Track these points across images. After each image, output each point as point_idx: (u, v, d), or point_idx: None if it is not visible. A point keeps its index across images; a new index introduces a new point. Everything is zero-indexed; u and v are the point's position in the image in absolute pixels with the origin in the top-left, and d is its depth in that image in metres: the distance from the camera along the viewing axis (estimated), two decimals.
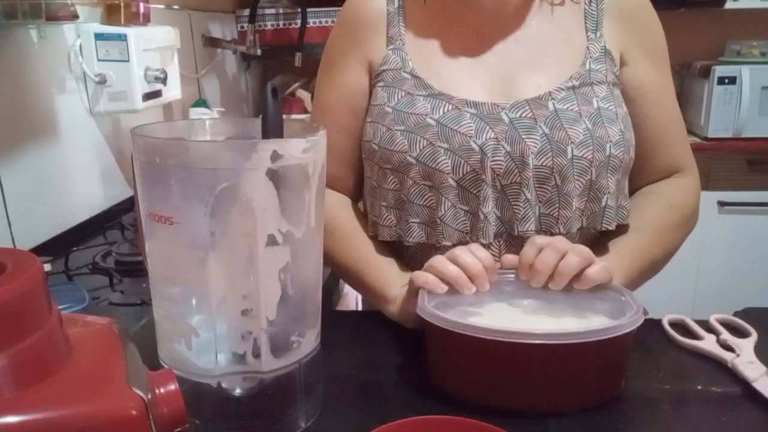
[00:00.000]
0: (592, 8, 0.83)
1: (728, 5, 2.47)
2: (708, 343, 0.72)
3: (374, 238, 0.86)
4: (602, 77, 0.81)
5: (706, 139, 2.39)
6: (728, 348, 0.71)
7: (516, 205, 0.78)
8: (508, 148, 0.77)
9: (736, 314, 0.79)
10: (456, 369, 0.64)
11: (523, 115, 0.78)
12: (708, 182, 2.37)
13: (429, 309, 0.64)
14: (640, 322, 0.62)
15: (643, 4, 0.85)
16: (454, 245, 0.79)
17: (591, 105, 0.79)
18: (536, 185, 0.77)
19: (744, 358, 0.68)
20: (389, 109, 0.81)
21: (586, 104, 0.79)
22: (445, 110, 0.79)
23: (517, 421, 0.58)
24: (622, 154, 0.79)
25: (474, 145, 0.77)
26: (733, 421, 0.61)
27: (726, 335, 0.73)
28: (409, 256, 0.86)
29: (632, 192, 0.88)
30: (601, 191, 0.79)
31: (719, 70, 2.34)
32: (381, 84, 0.84)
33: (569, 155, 0.76)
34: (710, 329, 0.76)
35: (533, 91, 0.80)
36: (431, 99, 0.80)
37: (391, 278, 0.81)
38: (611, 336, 0.59)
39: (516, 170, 0.77)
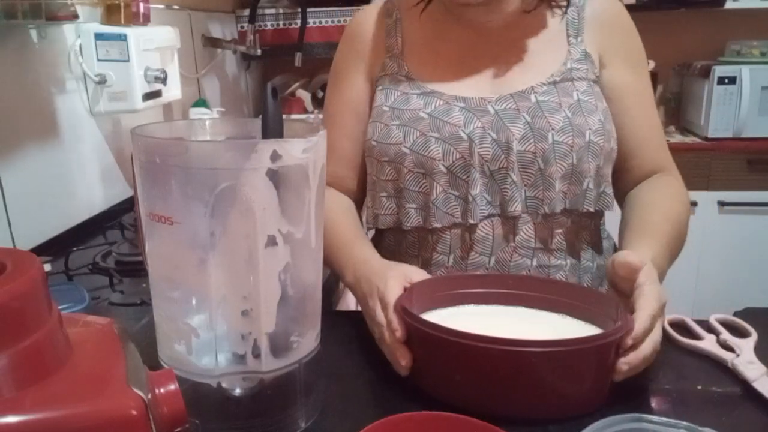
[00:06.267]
0: (573, 17, 0.90)
1: (728, 5, 2.47)
2: (708, 343, 0.73)
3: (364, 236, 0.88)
4: (583, 75, 0.87)
5: (706, 139, 2.40)
6: (728, 348, 0.71)
7: (504, 187, 0.84)
8: (494, 136, 0.83)
9: (736, 314, 0.79)
10: (439, 373, 0.64)
11: (508, 106, 0.85)
12: (708, 182, 2.37)
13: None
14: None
15: (621, 14, 0.92)
16: (445, 227, 0.85)
17: (571, 97, 0.85)
18: (521, 169, 0.83)
19: (744, 358, 0.68)
20: (386, 108, 0.89)
21: (567, 96, 0.85)
22: (437, 105, 0.86)
23: (517, 420, 0.58)
24: (602, 142, 0.84)
25: (462, 134, 0.83)
26: (733, 421, 0.61)
27: (726, 335, 0.73)
28: (408, 245, 0.91)
29: (625, 191, 0.91)
30: (583, 175, 0.84)
31: (719, 70, 2.34)
32: (380, 88, 0.92)
33: (550, 140, 0.82)
34: (710, 329, 0.76)
35: (517, 86, 0.86)
36: (424, 96, 0.88)
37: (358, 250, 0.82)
38: (578, 347, 0.58)
39: (502, 155, 0.83)
